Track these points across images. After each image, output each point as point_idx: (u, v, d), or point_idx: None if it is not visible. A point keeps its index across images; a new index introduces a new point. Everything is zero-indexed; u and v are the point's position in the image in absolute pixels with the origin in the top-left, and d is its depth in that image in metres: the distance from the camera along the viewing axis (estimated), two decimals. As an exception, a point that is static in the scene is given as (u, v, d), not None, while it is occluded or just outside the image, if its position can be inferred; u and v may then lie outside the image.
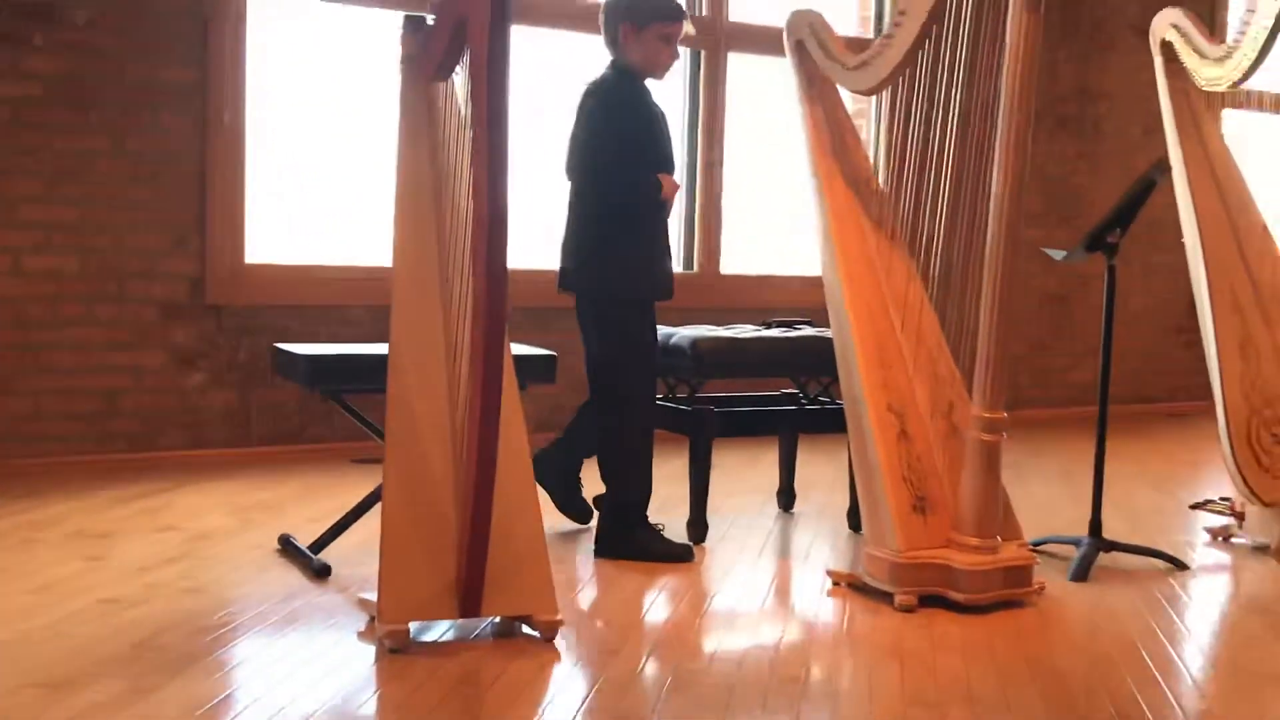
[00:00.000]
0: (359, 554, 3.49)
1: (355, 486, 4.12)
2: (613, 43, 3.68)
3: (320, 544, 3.53)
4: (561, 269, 3.77)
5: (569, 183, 3.76)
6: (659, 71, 3.69)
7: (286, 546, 3.63)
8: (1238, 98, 4.51)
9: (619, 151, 3.61)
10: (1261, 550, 3.96)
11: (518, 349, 3.66)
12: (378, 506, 3.03)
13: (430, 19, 3.11)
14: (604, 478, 3.77)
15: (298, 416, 5.12)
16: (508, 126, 2.68)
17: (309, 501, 4.28)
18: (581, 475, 4.06)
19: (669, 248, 3.80)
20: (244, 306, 5.02)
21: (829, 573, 3.51)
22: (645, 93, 3.71)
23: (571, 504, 4.06)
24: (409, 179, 3.12)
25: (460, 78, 3.09)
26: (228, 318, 5.00)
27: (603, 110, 3.65)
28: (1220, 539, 4.11)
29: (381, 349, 3.10)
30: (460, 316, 2.94)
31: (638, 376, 3.68)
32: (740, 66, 6.14)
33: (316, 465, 4.90)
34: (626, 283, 3.67)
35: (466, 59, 2.88)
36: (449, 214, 3.09)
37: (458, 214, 3.03)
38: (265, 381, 5.01)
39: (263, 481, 4.61)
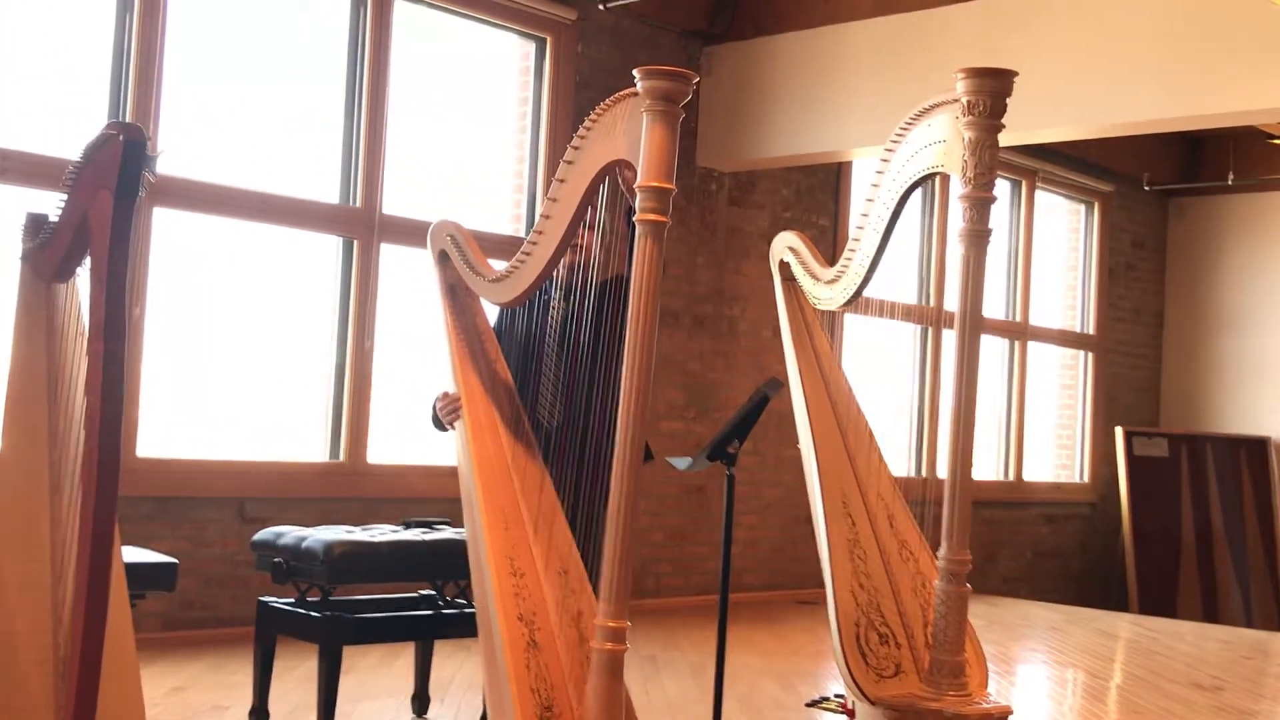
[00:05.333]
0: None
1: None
2: None
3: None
4: None
5: None
6: None
7: None
8: (858, 305, 4.90)
9: None
10: (871, 745, 4.19)
11: (137, 555, 3.52)
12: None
13: (54, 216, 3.02)
14: None
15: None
16: (125, 337, 2.61)
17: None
18: None
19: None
20: None
21: (457, 784, 3.47)
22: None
23: None
24: (20, 382, 2.97)
25: (84, 279, 3.00)
26: None
27: None
28: (834, 734, 4.33)
29: (-19, 559, 2.91)
30: (68, 530, 2.80)
31: None
32: (393, 256, 6.21)
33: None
34: None
35: (89, 262, 2.81)
36: (62, 419, 2.96)
37: (70, 421, 2.91)
38: None
39: None
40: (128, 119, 5.27)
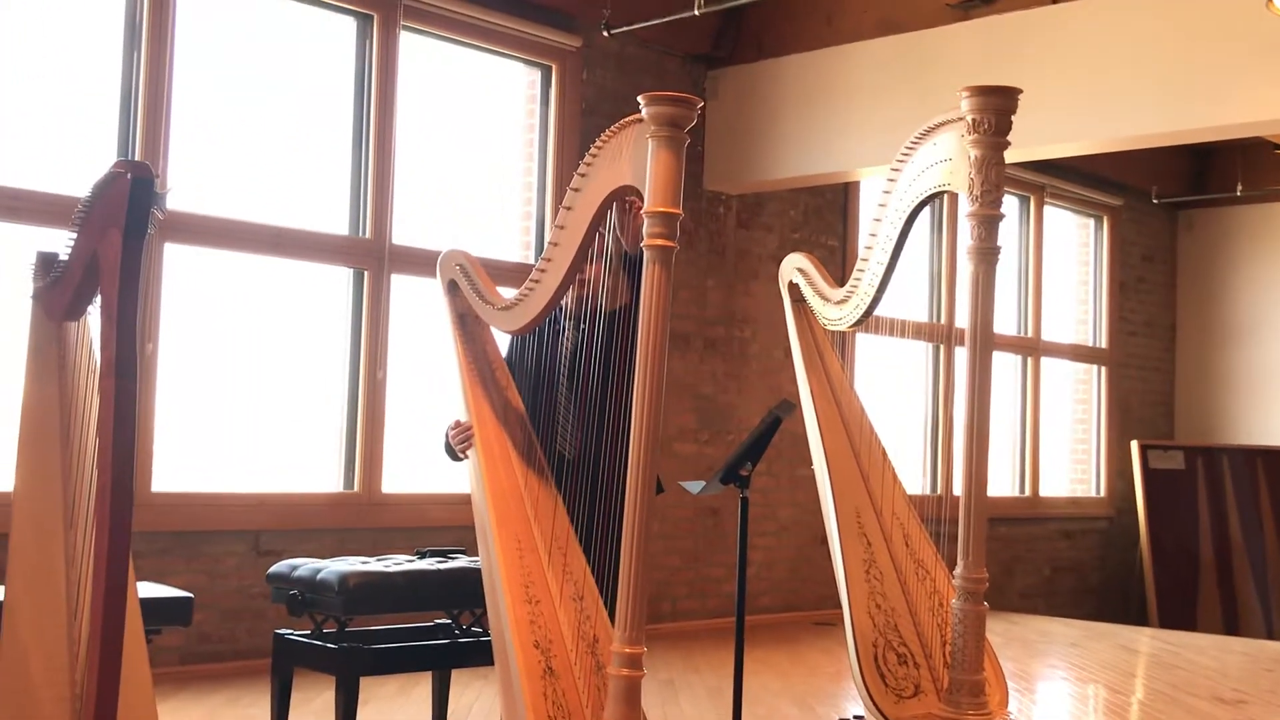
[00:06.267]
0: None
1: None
2: None
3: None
4: None
5: None
6: None
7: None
8: (868, 324, 4.89)
9: None
10: (891, 765, 4.16)
11: (151, 590, 3.52)
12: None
13: (64, 255, 3.04)
14: None
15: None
16: (136, 374, 2.62)
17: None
18: None
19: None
20: None
21: (477, 814, 3.46)
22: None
23: None
24: (32, 420, 2.99)
25: (94, 317, 3.01)
26: None
27: None
28: (854, 756, 4.31)
29: (-5, 597, 2.92)
30: (83, 567, 2.81)
31: None
32: (404, 286, 6.23)
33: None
34: None
35: (99, 300, 2.82)
36: (75, 456, 2.97)
37: (84, 458, 2.92)
38: None
39: None
40: (136, 156, 5.30)
